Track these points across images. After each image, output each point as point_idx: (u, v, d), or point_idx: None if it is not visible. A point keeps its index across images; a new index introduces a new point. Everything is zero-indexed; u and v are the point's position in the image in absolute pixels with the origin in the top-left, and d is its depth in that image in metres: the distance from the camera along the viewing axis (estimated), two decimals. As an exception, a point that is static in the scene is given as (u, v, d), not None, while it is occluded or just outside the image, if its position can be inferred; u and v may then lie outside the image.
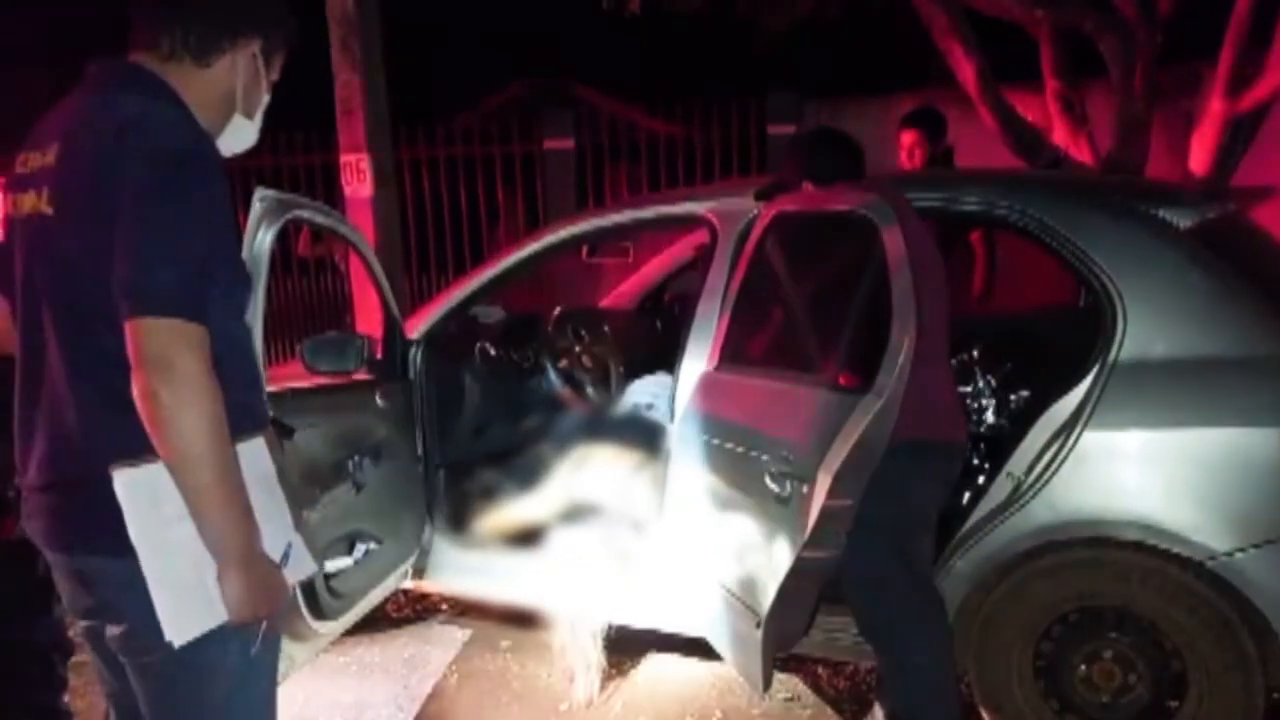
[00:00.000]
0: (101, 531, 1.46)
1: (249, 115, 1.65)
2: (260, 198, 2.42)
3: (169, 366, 1.37)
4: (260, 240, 2.36)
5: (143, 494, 1.43)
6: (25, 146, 1.56)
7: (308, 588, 2.63)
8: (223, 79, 1.59)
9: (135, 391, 1.38)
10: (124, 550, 1.44)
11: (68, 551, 1.55)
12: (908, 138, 4.42)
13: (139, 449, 1.42)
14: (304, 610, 2.61)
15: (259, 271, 2.33)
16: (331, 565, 2.79)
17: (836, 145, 2.68)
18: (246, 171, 7.74)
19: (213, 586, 1.46)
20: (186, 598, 1.45)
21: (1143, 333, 2.39)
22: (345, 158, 5.49)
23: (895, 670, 2.52)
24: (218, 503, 1.42)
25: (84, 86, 1.56)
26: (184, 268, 1.40)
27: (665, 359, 3.20)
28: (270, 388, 2.68)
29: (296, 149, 7.66)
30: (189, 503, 1.41)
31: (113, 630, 1.54)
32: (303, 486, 2.75)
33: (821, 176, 2.60)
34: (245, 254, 2.34)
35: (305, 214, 2.64)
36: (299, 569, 1.62)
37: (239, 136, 1.66)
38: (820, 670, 3.16)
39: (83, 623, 1.64)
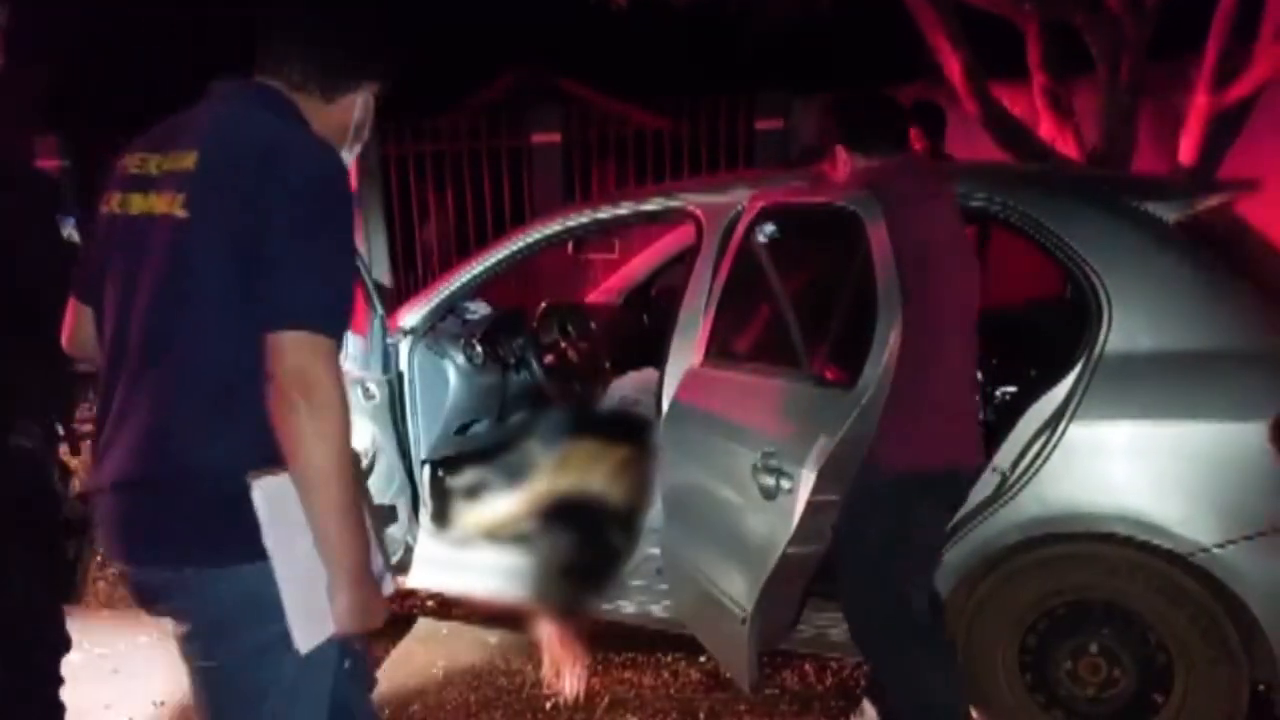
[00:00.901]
0: (168, 541, 1.50)
1: (351, 150, 1.69)
2: None
3: (309, 381, 1.39)
4: None
5: (278, 503, 1.43)
6: (138, 149, 1.58)
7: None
8: (343, 115, 1.64)
9: (271, 403, 1.40)
10: (187, 560, 1.48)
11: (131, 563, 1.56)
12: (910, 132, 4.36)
13: (221, 459, 1.45)
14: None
15: None
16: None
17: (881, 111, 2.43)
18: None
19: (324, 598, 1.47)
20: (311, 606, 1.47)
21: (1128, 326, 2.38)
22: (331, 152, 5.45)
23: (891, 691, 2.50)
24: (341, 518, 1.44)
25: (215, 101, 1.60)
26: (333, 286, 1.46)
27: (652, 354, 3.19)
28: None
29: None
30: (314, 516, 1.43)
31: (177, 629, 1.57)
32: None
33: (858, 144, 2.38)
34: None
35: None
36: (386, 587, 1.65)
37: None
38: (807, 666, 3.15)
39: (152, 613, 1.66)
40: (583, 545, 3.03)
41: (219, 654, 1.53)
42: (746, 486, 2.29)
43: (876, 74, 7.74)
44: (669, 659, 3.24)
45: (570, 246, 7.05)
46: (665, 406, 2.82)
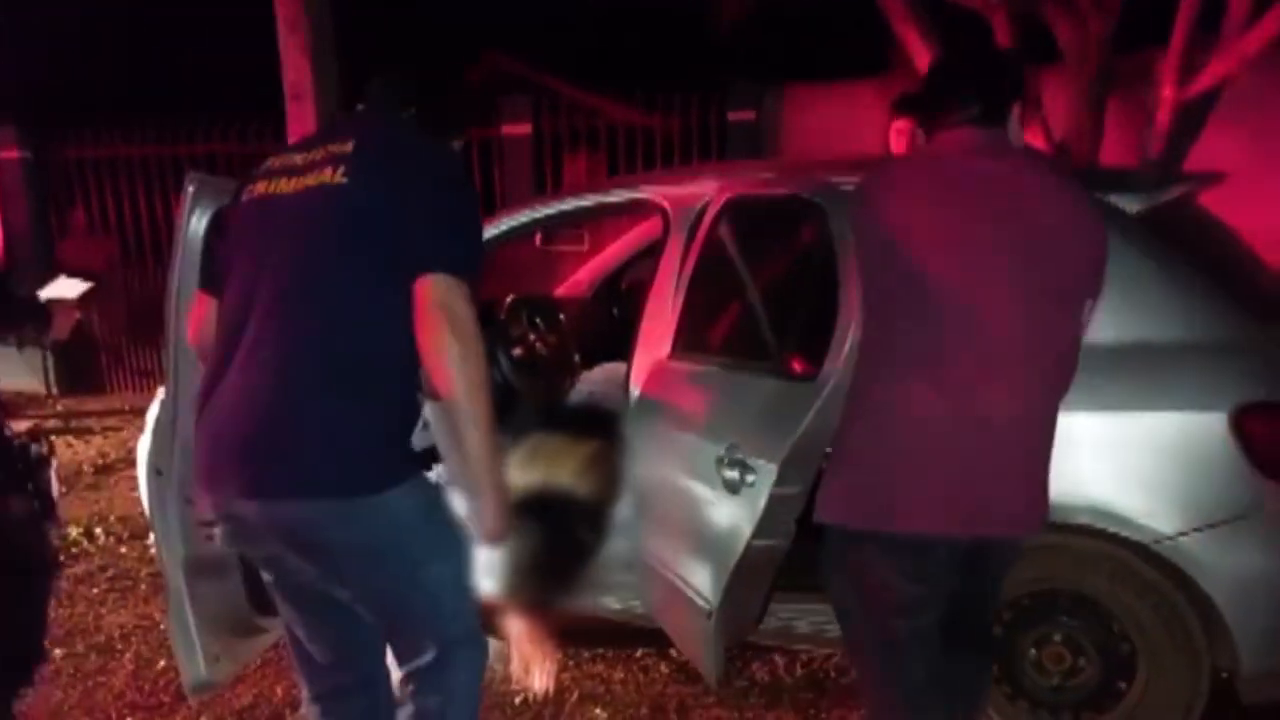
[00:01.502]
0: (316, 475, 1.68)
1: None
2: (192, 181, 2.35)
3: (453, 314, 1.65)
4: (195, 226, 2.29)
5: (441, 421, 1.75)
6: (283, 152, 1.89)
7: (252, 582, 2.57)
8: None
9: (420, 333, 1.65)
10: (343, 492, 1.68)
11: (275, 498, 1.71)
12: (903, 124, 4.10)
13: (361, 395, 1.69)
14: (249, 604, 2.56)
15: (195, 257, 2.26)
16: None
17: (937, 79, 1.94)
18: (196, 159, 7.61)
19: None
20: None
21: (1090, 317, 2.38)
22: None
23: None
24: (484, 431, 1.67)
25: (359, 117, 1.97)
26: (465, 241, 1.76)
27: (623, 347, 3.17)
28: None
29: (250, 136, 7.53)
30: (462, 431, 1.67)
31: (316, 572, 1.78)
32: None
33: (930, 117, 1.91)
34: (178, 239, 2.28)
35: (241, 199, 2.57)
36: None
37: None
38: (777, 658, 3.15)
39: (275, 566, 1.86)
40: (551, 540, 3.01)
41: (378, 578, 1.76)
42: (711, 480, 2.29)
43: (850, 66, 7.76)
44: (639, 654, 3.24)
45: (539, 238, 7.02)
46: (632, 400, 2.80)
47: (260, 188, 1.84)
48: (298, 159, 1.81)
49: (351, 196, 1.73)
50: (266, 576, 1.92)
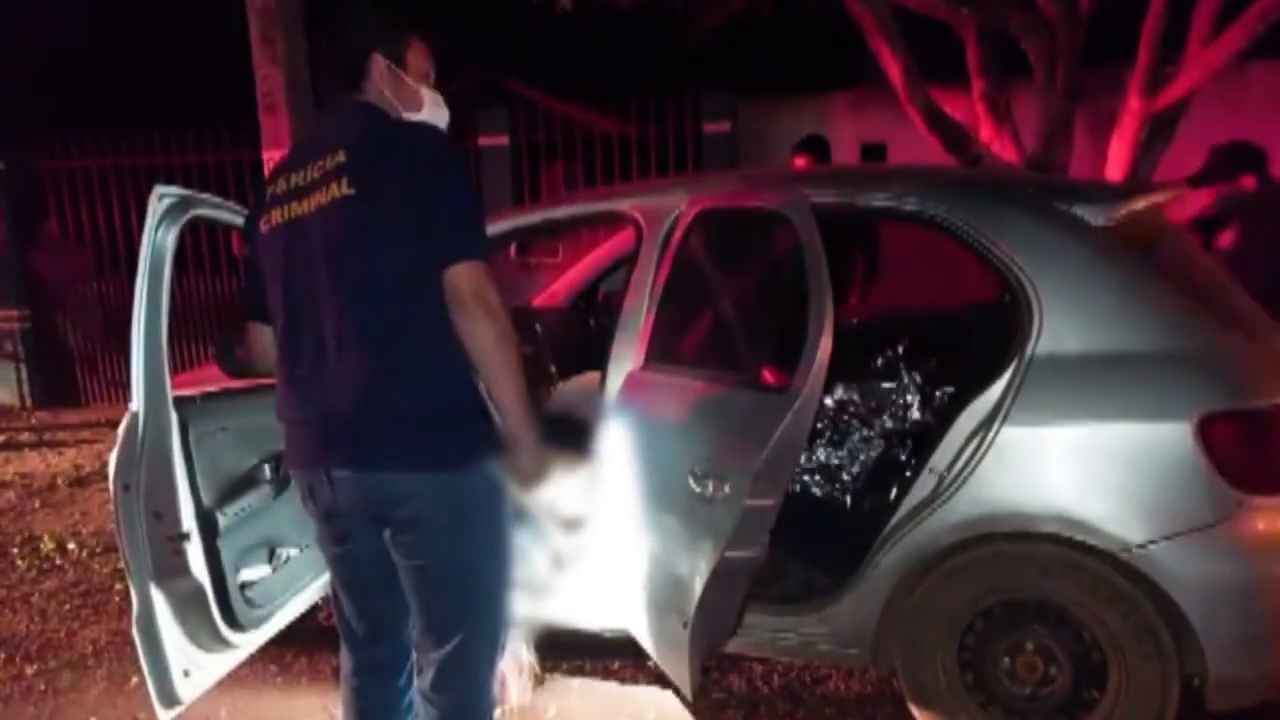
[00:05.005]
0: (417, 453, 1.84)
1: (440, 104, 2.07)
2: (160, 195, 2.35)
3: (485, 296, 1.78)
4: (160, 239, 2.29)
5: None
6: (280, 174, 1.95)
7: (222, 598, 2.55)
8: (417, 74, 2.03)
9: (457, 317, 1.78)
10: (434, 467, 1.85)
11: (382, 469, 1.86)
12: (801, 161, 4.67)
13: (416, 388, 1.83)
14: (218, 621, 2.54)
15: (161, 271, 2.25)
16: (248, 574, 2.71)
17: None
18: (170, 169, 7.55)
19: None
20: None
21: (1057, 328, 2.40)
22: (269, 155, 5.38)
23: None
24: (517, 396, 1.82)
25: (333, 116, 2.00)
26: (477, 222, 1.87)
27: (599, 357, 3.17)
28: (180, 392, 2.60)
29: (224, 147, 7.50)
30: (501, 397, 1.82)
31: (401, 537, 1.90)
32: (218, 492, 2.68)
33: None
34: (144, 253, 2.27)
35: (209, 211, 2.56)
36: None
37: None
38: (755, 669, 3.15)
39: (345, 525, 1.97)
40: (527, 552, 3.00)
41: (459, 546, 1.89)
42: (684, 491, 2.29)
43: (821, 78, 7.83)
44: (616, 666, 3.23)
45: (514, 250, 7.03)
46: (606, 410, 2.80)
47: (276, 216, 1.93)
48: (297, 179, 1.90)
49: (365, 204, 1.82)
50: (334, 549, 2.02)
